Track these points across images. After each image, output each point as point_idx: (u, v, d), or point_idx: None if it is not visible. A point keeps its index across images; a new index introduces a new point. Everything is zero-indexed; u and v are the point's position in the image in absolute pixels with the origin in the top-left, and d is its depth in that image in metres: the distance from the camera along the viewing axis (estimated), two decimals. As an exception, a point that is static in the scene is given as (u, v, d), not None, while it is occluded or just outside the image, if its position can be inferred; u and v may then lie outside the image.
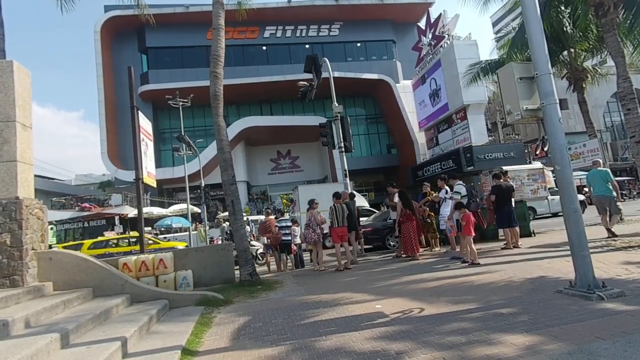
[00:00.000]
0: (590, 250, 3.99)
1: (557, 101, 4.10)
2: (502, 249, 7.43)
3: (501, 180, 7.74)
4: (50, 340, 2.92)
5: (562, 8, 10.45)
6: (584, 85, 12.08)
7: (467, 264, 6.22)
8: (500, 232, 8.47)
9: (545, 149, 17.43)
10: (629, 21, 8.15)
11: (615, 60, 8.16)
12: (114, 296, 4.71)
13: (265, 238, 9.27)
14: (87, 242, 13.57)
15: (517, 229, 7.55)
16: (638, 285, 3.95)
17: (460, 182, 7.65)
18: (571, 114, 28.33)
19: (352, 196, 8.99)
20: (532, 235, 8.93)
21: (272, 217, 9.60)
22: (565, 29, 10.61)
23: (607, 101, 31.93)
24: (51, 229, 20.49)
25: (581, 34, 10.90)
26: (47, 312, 3.66)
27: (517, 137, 31.45)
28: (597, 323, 3.04)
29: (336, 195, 8.01)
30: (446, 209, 7.47)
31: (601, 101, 31.42)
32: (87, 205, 24.16)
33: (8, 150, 4.49)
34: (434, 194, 8.91)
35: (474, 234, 6.45)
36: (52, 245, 15.21)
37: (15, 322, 3.17)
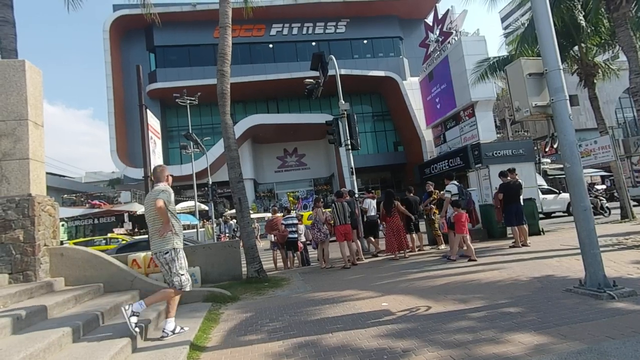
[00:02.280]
0: (601, 249, 3.94)
1: (567, 97, 4.04)
2: (511, 247, 7.37)
3: (509, 178, 7.67)
4: (63, 334, 2.99)
5: (573, 2, 10.25)
6: (595, 81, 11.85)
7: (460, 261, 6.33)
8: (509, 230, 8.42)
9: (555, 146, 17.07)
10: (639, 13, 7.98)
11: (628, 55, 8.00)
12: (123, 292, 4.78)
13: (272, 235, 9.31)
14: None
15: (526, 227, 7.48)
16: (650, 285, 3.89)
17: (454, 181, 7.77)
18: (582, 110, 27.86)
19: (351, 194, 9.10)
20: (542, 233, 8.84)
21: (279, 214, 9.64)
22: (575, 23, 10.40)
23: (619, 97, 31.28)
24: (62, 225, 20.87)
25: (592, 28, 10.66)
26: (59, 307, 3.73)
27: (526, 134, 31.03)
28: (607, 322, 3.00)
29: (337, 194, 8.11)
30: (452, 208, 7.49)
31: (613, 97, 30.82)
32: (97, 202, 24.46)
33: (21, 148, 4.57)
34: (440, 193, 8.89)
35: (466, 233, 6.55)
36: (63, 242, 15.45)
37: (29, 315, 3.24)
